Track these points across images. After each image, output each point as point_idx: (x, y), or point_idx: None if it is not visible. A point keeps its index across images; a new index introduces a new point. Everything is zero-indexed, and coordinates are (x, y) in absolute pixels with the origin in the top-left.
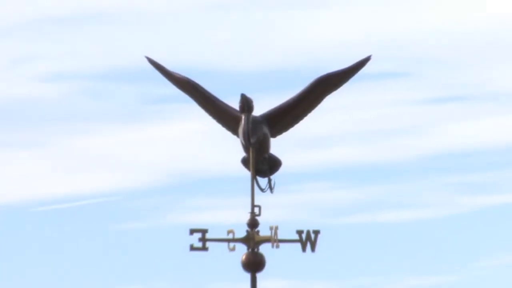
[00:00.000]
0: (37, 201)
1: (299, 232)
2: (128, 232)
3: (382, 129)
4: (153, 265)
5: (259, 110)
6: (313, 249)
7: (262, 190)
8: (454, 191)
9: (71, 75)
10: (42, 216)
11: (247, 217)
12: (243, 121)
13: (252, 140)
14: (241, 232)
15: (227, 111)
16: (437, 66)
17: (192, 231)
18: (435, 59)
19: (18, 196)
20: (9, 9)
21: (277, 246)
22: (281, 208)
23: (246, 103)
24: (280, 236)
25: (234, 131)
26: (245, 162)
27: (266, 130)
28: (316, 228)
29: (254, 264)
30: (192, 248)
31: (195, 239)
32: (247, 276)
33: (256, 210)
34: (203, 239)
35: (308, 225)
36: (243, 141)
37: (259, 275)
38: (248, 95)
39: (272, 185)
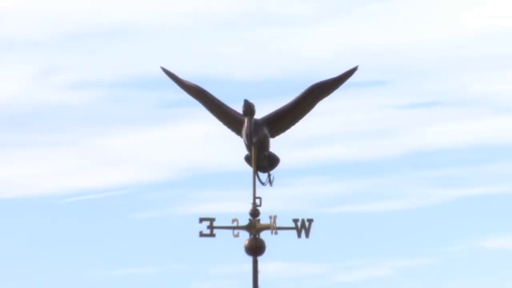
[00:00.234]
0: (66, 193)
1: (295, 221)
2: (145, 221)
3: (367, 130)
4: (167, 249)
5: (260, 113)
6: (307, 235)
7: (262, 183)
8: (429, 184)
9: (96, 84)
10: (71, 206)
11: (249, 207)
12: (246, 124)
13: (254, 140)
14: (244, 221)
15: (232, 115)
16: (416, 75)
17: (201, 220)
18: (414, 69)
19: (50, 188)
20: (42, 24)
21: (276, 233)
22: (279, 200)
23: (249, 108)
24: (278, 224)
25: (238, 132)
26: (247, 159)
27: (266, 131)
28: (310, 217)
29: (255, 248)
30: (202, 234)
31: (204, 226)
32: (250, 259)
33: (257, 201)
34: (211, 227)
35: (303, 214)
36: (246, 141)
37: (260, 258)
38: (251, 100)
39: (272, 179)
